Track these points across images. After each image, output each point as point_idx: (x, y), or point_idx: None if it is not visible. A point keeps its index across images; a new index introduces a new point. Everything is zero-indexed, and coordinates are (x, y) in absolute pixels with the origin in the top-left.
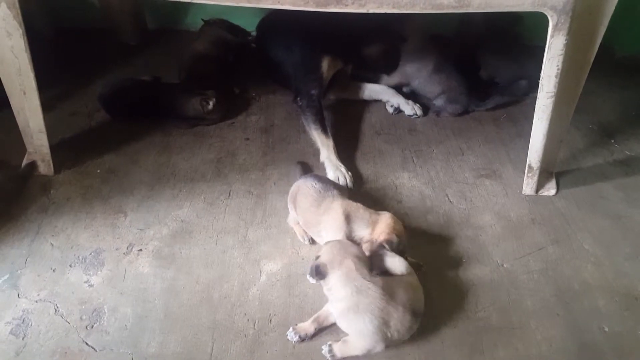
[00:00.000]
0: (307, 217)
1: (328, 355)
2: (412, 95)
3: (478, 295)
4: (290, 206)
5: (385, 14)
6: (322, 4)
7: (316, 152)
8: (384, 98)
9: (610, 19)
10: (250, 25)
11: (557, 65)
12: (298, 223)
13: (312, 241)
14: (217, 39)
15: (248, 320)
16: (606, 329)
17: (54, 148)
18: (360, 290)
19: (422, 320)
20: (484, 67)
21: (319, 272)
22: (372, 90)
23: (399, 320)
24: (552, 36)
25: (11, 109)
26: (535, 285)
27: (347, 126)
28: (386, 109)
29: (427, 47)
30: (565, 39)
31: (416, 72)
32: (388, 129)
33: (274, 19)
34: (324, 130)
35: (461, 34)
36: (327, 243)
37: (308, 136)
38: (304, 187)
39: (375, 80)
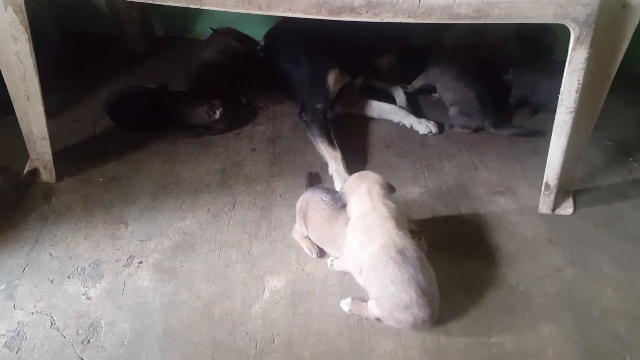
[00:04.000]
0: (322, 233)
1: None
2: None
3: (492, 319)
4: (300, 222)
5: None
6: (334, 12)
7: (324, 165)
8: (395, 119)
9: None
10: (259, 35)
11: (578, 80)
12: (305, 237)
13: (320, 254)
14: (226, 47)
15: (250, 339)
16: (628, 359)
17: (56, 155)
18: (362, 215)
19: (432, 344)
20: (517, 86)
21: (341, 200)
22: (382, 110)
23: (392, 242)
24: (573, 49)
25: (15, 115)
26: (552, 310)
27: (357, 139)
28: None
29: (458, 54)
30: (587, 53)
31: (439, 75)
32: (398, 142)
33: (282, 29)
34: (331, 142)
35: (481, 47)
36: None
37: (315, 149)
38: (313, 202)
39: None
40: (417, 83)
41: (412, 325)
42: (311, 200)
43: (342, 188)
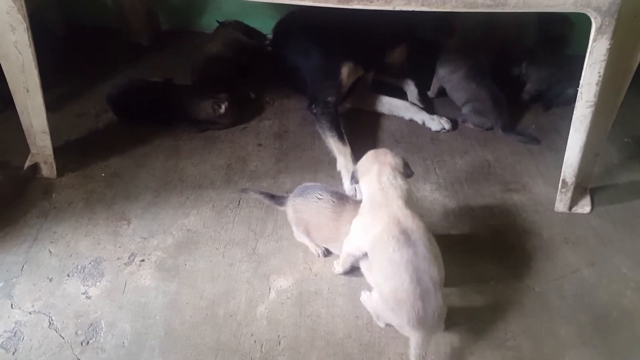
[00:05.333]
0: (327, 234)
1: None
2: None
3: (507, 321)
4: (297, 230)
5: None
6: (344, 0)
7: (332, 161)
8: (407, 115)
9: None
10: (266, 28)
11: (599, 72)
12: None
13: (326, 254)
14: (232, 41)
15: (255, 341)
16: None
17: (58, 150)
18: (369, 197)
19: (446, 348)
20: (531, 80)
21: (354, 177)
22: (392, 105)
23: (396, 221)
24: (594, 40)
25: (15, 108)
26: (569, 312)
27: (366, 134)
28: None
29: (468, 49)
30: (609, 44)
31: (448, 74)
32: (409, 137)
33: (292, 21)
34: (341, 137)
35: (493, 40)
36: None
37: (324, 144)
38: (308, 204)
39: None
40: (435, 87)
41: (408, 323)
42: (304, 204)
43: (356, 166)
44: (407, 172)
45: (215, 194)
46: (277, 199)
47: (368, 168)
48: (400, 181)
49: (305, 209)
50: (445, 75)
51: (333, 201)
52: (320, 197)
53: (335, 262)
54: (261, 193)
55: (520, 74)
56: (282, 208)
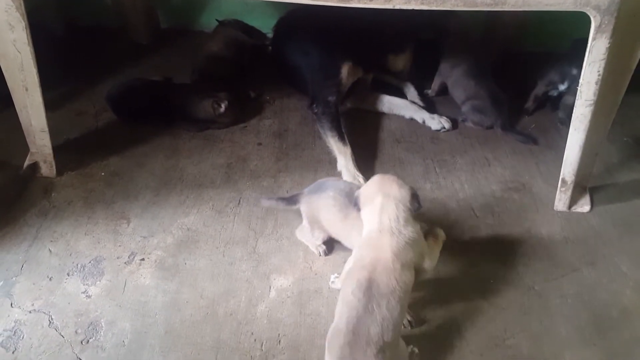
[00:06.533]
0: (338, 232)
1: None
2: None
3: (507, 320)
4: (312, 227)
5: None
6: None
7: (332, 160)
8: (407, 114)
9: None
10: (266, 27)
11: (598, 71)
12: (316, 236)
13: (327, 252)
14: (232, 40)
15: (255, 340)
16: None
17: (57, 149)
18: (367, 237)
19: (445, 346)
20: (562, 80)
21: (356, 204)
22: (392, 104)
23: (372, 267)
24: (594, 39)
25: (15, 107)
26: (569, 311)
27: (366, 133)
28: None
29: (469, 46)
30: (609, 43)
31: (449, 69)
32: (409, 136)
33: (292, 20)
34: (341, 137)
35: (494, 39)
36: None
37: (324, 143)
38: (320, 202)
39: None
40: (435, 85)
41: None
42: (317, 202)
43: (359, 191)
44: (414, 205)
45: (215, 193)
46: (290, 199)
47: (371, 198)
48: (402, 224)
49: (319, 208)
50: (446, 70)
51: (340, 200)
52: (331, 195)
53: (333, 276)
54: (270, 199)
55: (557, 86)
56: (296, 207)
